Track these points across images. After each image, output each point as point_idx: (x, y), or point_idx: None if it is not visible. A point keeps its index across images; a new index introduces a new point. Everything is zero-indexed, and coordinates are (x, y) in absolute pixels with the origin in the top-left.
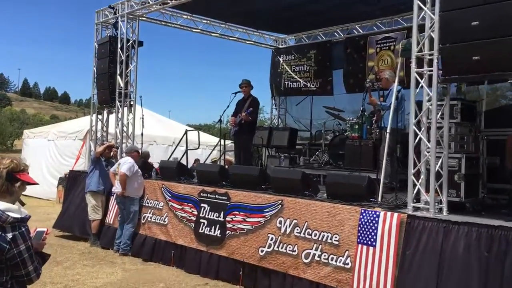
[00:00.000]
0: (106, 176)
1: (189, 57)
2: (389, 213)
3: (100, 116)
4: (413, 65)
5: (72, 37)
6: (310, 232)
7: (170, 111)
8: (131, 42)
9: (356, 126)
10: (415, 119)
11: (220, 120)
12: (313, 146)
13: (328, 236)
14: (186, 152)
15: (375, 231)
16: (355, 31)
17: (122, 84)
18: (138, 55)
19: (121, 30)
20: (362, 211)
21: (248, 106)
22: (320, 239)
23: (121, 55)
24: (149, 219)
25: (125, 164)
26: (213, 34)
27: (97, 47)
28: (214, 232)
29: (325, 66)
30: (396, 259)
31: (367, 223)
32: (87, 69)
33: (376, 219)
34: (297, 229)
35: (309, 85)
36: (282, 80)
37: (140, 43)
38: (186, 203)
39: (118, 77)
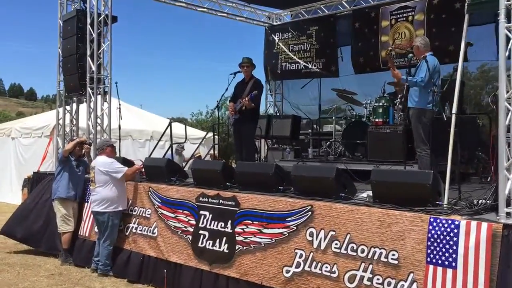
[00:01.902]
0: (78, 178)
1: (166, 40)
2: (473, 223)
3: (68, 107)
4: (501, 18)
5: (36, 30)
6: (355, 248)
7: (142, 104)
8: (103, 16)
9: (380, 110)
10: (506, 93)
11: (217, 106)
12: (318, 135)
13: (381, 253)
14: (171, 146)
15: (454, 247)
16: (363, 2)
17: (93, 68)
18: (113, 33)
19: (91, 2)
20: (432, 219)
21: (251, 90)
22: (370, 257)
23: (92, 32)
24: (134, 230)
25: (110, 165)
26: (198, 9)
27: (61, 24)
28: (219, 247)
29: (329, 44)
30: (490, 285)
31: (441, 236)
32: (53, 64)
33: (455, 230)
34: (336, 243)
35: (310, 66)
36: (278, 61)
37: (114, 19)
38: (180, 210)
39: (89, 58)
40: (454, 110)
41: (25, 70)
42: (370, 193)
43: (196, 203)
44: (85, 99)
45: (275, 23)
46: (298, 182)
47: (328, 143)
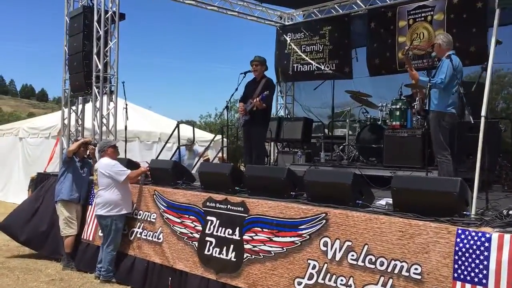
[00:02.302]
0: (82, 180)
1: (177, 40)
2: (507, 236)
3: (74, 107)
4: None
5: (48, 31)
6: (374, 260)
7: (151, 107)
8: (110, 13)
9: (398, 113)
10: None
11: (227, 107)
12: (330, 139)
13: (403, 267)
14: (178, 149)
15: (485, 262)
16: (378, 1)
17: (100, 66)
18: (120, 31)
19: None
20: (460, 231)
21: (262, 90)
22: (389, 270)
23: (99, 29)
24: (138, 235)
25: (112, 168)
26: (209, 8)
27: (68, 21)
28: (226, 255)
29: (343, 45)
30: None
31: (471, 250)
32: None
33: (486, 244)
34: (353, 255)
35: (323, 68)
36: (290, 62)
37: (122, 16)
38: (186, 215)
39: (95, 56)
40: (483, 113)
41: (37, 71)
42: (389, 200)
43: (203, 208)
44: (90, 99)
45: (287, 23)
46: (312, 187)
47: (341, 147)
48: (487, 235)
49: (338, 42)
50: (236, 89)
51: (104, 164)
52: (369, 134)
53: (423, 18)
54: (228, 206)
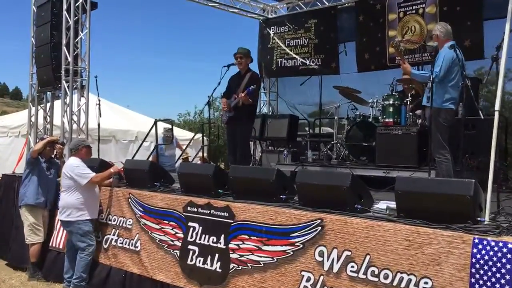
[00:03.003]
0: (48, 182)
1: (154, 35)
2: None
3: (43, 104)
4: None
5: (20, 27)
6: (377, 272)
7: (129, 105)
8: (81, 1)
9: (391, 109)
10: None
11: (208, 103)
12: (317, 137)
13: (410, 280)
14: (156, 148)
15: (507, 276)
16: None
17: (69, 58)
18: (92, 21)
19: None
20: (476, 240)
21: (248, 84)
22: (395, 283)
23: (68, 19)
24: (113, 243)
25: (75, 169)
26: None
27: (35, 10)
28: (211, 265)
29: (329, 39)
30: None
31: (490, 263)
32: None
33: (508, 256)
34: (353, 266)
35: (308, 63)
36: (273, 57)
37: (94, 5)
38: (166, 221)
39: (64, 48)
40: (497, 107)
41: (10, 69)
42: (390, 204)
43: (184, 213)
44: (59, 94)
45: (270, 16)
46: (305, 190)
47: (329, 145)
48: (510, 245)
49: (324, 36)
50: (219, 83)
51: (68, 165)
52: (359, 132)
53: (414, 11)
54: (212, 211)
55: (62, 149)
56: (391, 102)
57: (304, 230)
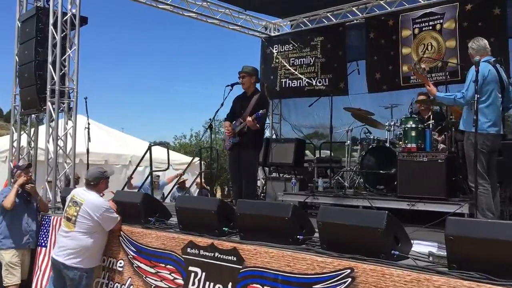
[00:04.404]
0: (26, 218)
1: (150, 56)
2: None
3: (25, 127)
4: None
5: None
6: None
7: (123, 128)
8: (69, 16)
9: (413, 133)
10: None
11: (210, 127)
12: (327, 162)
13: None
14: (150, 174)
15: None
16: (376, 9)
17: (56, 77)
18: (81, 37)
19: None
20: None
21: (255, 107)
22: None
23: (55, 34)
24: (104, 287)
25: (104, 212)
26: (186, 14)
27: (19, 26)
28: None
29: (337, 57)
30: None
31: None
32: None
33: None
34: None
35: (314, 83)
36: (277, 77)
37: (83, 20)
38: (162, 264)
39: (50, 66)
40: None
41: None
42: (432, 249)
43: (183, 256)
44: (44, 116)
45: (273, 34)
46: (329, 232)
47: (340, 172)
48: None
49: (332, 55)
50: (222, 105)
51: (94, 204)
52: (375, 158)
53: (430, 27)
54: (216, 254)
55: (34, 187)
56: (413, 126)
57: (329, 282)
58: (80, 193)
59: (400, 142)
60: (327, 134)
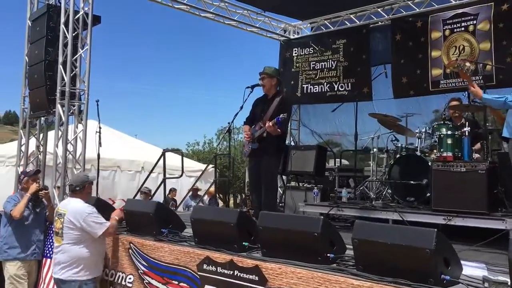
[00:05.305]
0: (33, 228)
1: (166, 55)
2: None
3: (35, 131)
4: None
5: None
6: None
7: (137, 135)
8: (81, 14)
9: (449, 141)
10: None
11: (229, 130)
12: (351, 171)
13: None
14: (164, 181)
15: None
16: (403, 10)
17: (66, 78)
18: (94, 37)
19: None
20: None
21: (276, 110)
22: None
23: (66, 34)
24: None
25: (87, 217)
26: (202, 14)
27: (30, 25)
28: None
29: (361, 61)
30: None
31: None
32: None
33: None
34: None
35: (336, 88)
36: (298, 82)
37: (96, 19)
38: (175, 281)
39: (61, 67)
40: None
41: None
42: (483, 271)
43: (199, 273)
44: (53, 119)
45: (292, 37)
46: (367, 251)
47: (365, 182)
48: None
49: (355, 58)
50: (241, 108)
51: (76, 210)
52: (405, 168)
53: (463, 28)
54: (236, 272)
55: (48, 193)
56: (449, 133)
57: None
58: (63, 204)
59: (435, 151)
60: (341, 142)
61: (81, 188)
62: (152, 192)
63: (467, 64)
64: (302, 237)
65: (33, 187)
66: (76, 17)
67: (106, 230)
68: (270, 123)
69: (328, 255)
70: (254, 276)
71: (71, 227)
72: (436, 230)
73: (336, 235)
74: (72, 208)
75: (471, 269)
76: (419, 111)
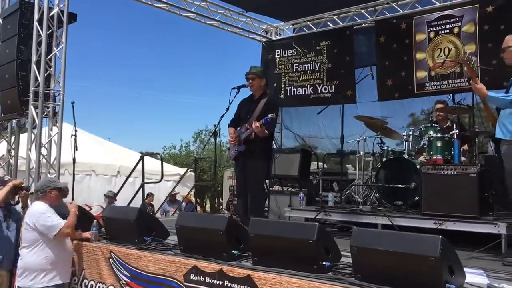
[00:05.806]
0: (5, 237)
1: (140, 53)
2: None
3: (6, 134)
4: None
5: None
6: None
7: (110, 138)
8: (56, 11)
9: (439, 144)
10: None
11: (214, 133)
12: (329, 175)
13: None
14: (142, 186)
15: None
16: (386, 12)
17: (40, 79)
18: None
19: None
20: None
21: (263, 111)
22: None
23: (40, 31)
24: None
25: (40, 217)
26: (183, 14)
27: (1, 22)
28: None
29: (345, 63)
30: None
31: None
32: None
33: None
34: None
35: (320, 90)
36: (281, 85)
37: (72, 16)
38: None
39: (34, 66)
40: None
41: None
42: (484, 279)
43: (186, 283)
44: (26, 121)
45: (274, 38)
46: (365, 259)
47: (351, 186)
48: None
49: (339, 60)
50: (227, 109)
51: (32, 212)
52: (392, 171)
53: (448, 31)
54: (226, 282)
55: (27, 196)
56: (438, 135)
57: None
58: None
59: (424, 154)
60: (318, 145)
61: (43, 193)
62: (131, 198)
63: (474, 58)
64: (296, 245)
65: (17, 180)
66: (51, 14)
67: (60, 230)
68: (258, 124)
69: (324, 263)
70: (246, 286)
71: (28, 229)
72: (441, 237)
73: (331, 242)
74: (30, 211)
75: (470, 276)
76: (404, 114)
